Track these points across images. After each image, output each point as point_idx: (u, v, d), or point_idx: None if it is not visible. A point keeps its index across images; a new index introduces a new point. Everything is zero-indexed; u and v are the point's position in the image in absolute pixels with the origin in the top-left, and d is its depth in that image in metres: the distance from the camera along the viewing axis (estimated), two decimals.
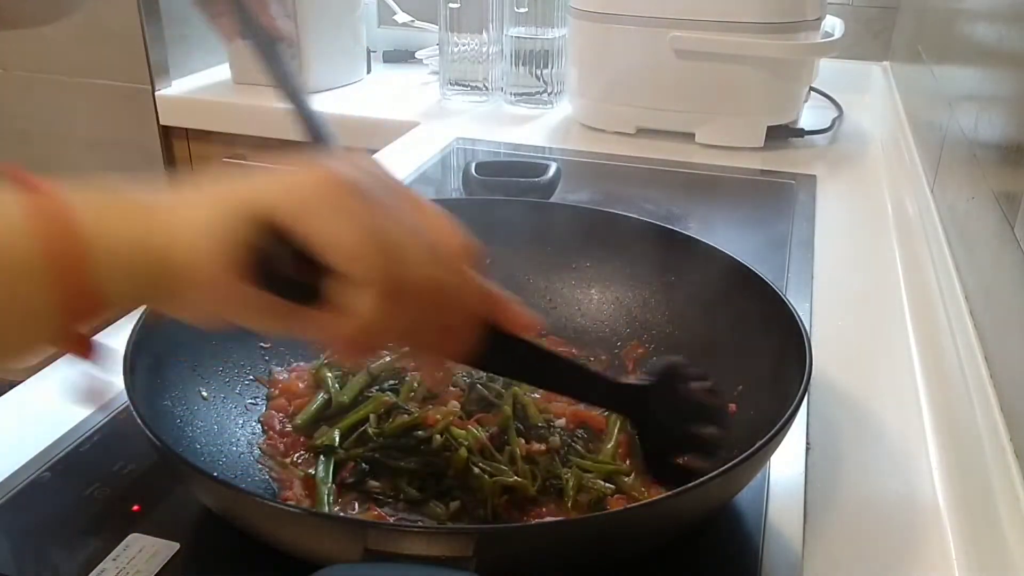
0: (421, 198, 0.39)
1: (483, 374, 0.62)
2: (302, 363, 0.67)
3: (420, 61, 1.72)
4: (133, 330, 0.55)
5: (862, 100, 1.52)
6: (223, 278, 0.33)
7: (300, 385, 0.65)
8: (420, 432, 0.58)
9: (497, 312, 0.43)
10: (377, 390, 0.63)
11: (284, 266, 0.34)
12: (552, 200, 0.96)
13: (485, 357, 0.44)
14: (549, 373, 0.50)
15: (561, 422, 0.61)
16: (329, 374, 0.64)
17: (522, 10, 1.40)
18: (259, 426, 0.61)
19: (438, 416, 0.59)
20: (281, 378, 0.65)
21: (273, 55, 0.67)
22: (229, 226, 0.33)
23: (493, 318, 0.43)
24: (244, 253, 0.33)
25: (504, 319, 0.43)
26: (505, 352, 0.45)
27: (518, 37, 1.42)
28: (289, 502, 0.54)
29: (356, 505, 0.55)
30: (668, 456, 0.53)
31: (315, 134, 0.67)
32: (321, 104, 1.50)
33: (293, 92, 0.66)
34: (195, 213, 0.34)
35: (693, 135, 1.29)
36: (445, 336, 0.40)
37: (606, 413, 0.62)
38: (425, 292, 0.36)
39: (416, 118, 1.41)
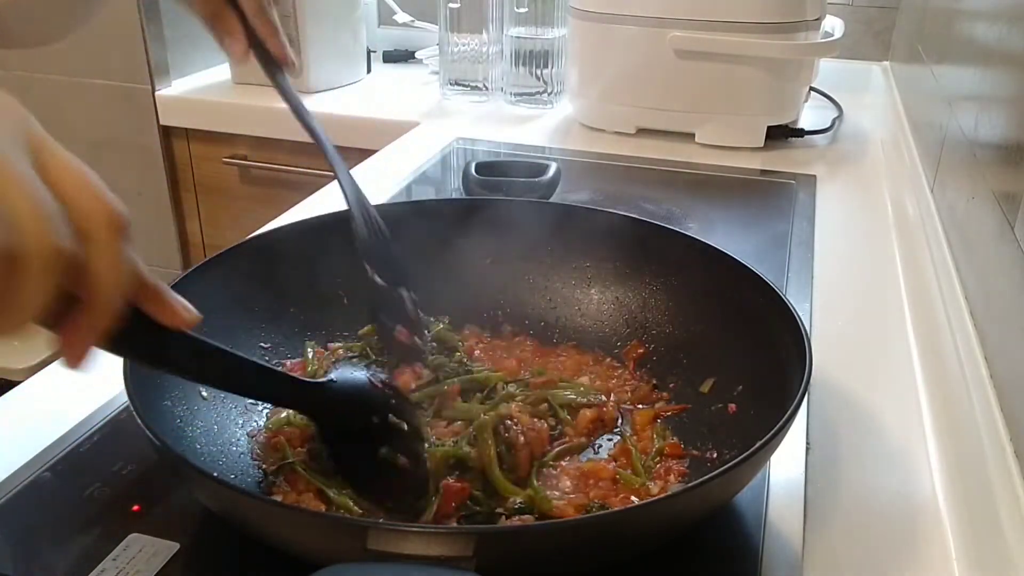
0: (69, 161, 0.35)
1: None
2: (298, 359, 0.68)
3: (420, 61, 1.72)
4: None
5: (862, 100, 1.52)
6: None
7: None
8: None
9: (145, 297, 0.39)
10: None
11: None
12: (552, 200, 0.97)
13: (129, 344, 0.40)
14: (214, 370, 0.47)
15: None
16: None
17: (522, 10, 1.40)
18: (262, 425, 0.61)
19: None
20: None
21: (279, 77, 0.69)
22: None
23: (141, 303, 0.39)
24: None
25: (154, 308, 0.40)
26: (158, 342, 0.41)
27: (518, 37, 1.42)
28: (289, 502, 0.54)
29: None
30: (359, 452, 0.54)
31: (330, 159, 0.69)
32: (321, 104, 1.52)
33: (304, 120, 0.68)
34: None
35: (693, 135, 1.29)
36: (75, 311, 0.35)
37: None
38: (25, 255, 0.31)
39: (416, 118, 1.41)
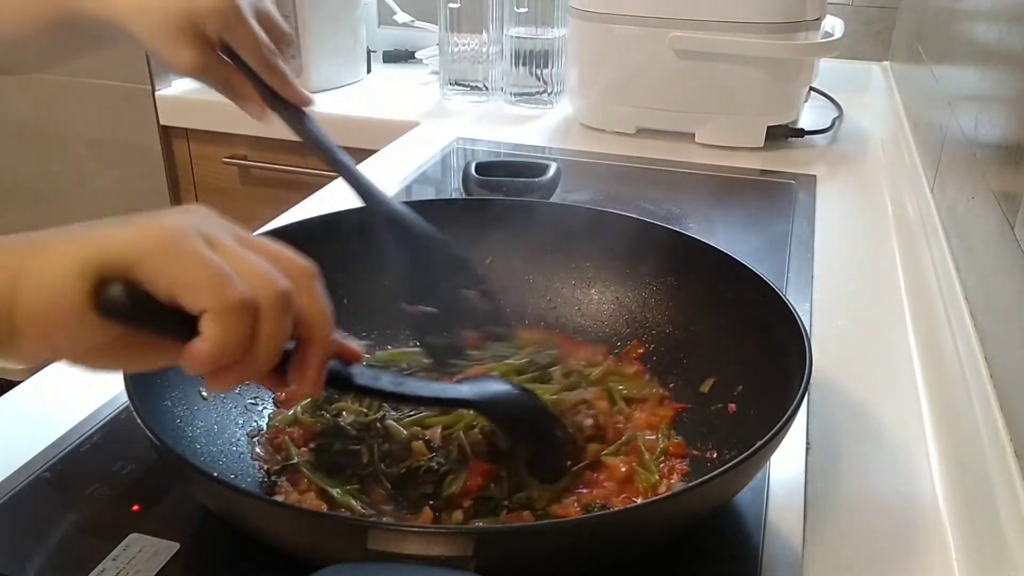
0: (262, 239, 0.42)
1: None
2: None
3: (420, 61, 1.72)
4: None
5: (862, 100, 1.52)
6: (70, 314, 0.36)
7: None
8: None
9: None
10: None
11: (133, 305, 0.37)
12: (552, 200, 0.96)
13: (340, 378, 0.45)
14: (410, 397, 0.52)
15: None
16: None
17: (522, 10, 1.40)
18: (262, 425, 0.61)
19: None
20: None
21: (303, 123, 0.67)
22: (77, 269, 0.36)
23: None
24: (93, 293, 0.36)
25: (340, 349, 0.46)
26: (349, 373, 0.46)
27: (518, 37, 1.42)
28: (291, 502, 0.54)
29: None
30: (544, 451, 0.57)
31: (362, 193, 0.67)
32: (321, 104, 1.52)
33: (331, 156, 0.66)
34: (44, 258, 0.36)
35: (693, 135, 1.29)
36: (297, 354, 0.42)
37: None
38: (261, 306, 0.38)
39: (416, 118, 1.41)
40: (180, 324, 0.37)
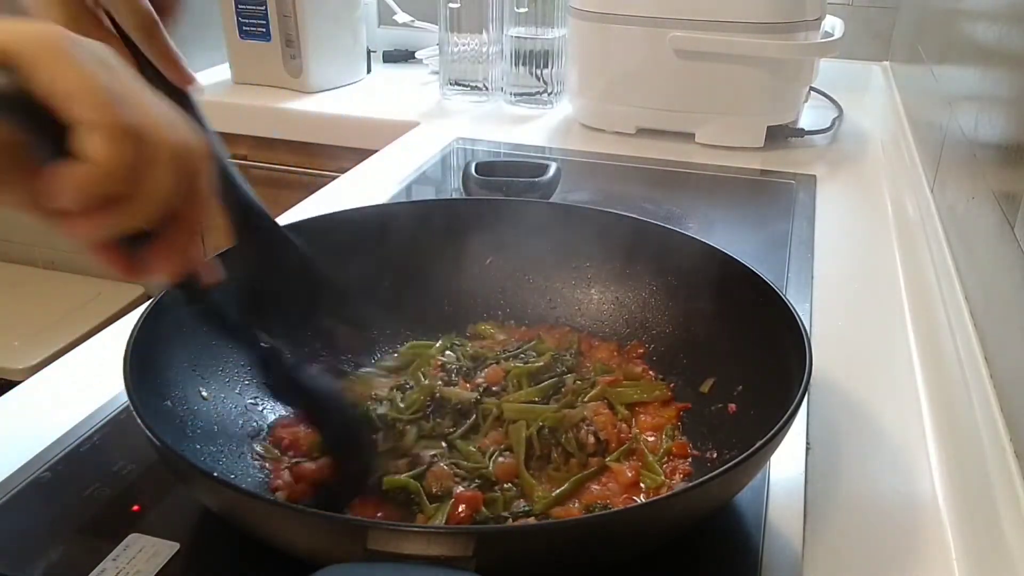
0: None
1: None
2: None
3: (420, 61, 1.72)
4: (133, 330, 0.55)
5: (862, 100, 1.52)
6: None
7: None
8: None
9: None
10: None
11: (17, 106, 0.34)
12: (552, 200, 0.96)
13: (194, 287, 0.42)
14: None
15: None
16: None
17: (522, 10, 1.40)
18: (263, 425, 0.61)
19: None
20: None
21: (185, 106, 0.55)
22: None
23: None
24: None
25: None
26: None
27: (518, 37, 1.42)
28: (290, 502, 0.54)
29: None
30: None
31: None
32: (321, 104, 1.52)
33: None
34: None
35: (693, 135, 1.29)
36: (190, 206, 0.38)
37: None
38: (158, 142, 0.35)
39: (416, 118, 1.41)
40: (53, 137, 0.34)
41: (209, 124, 0.58)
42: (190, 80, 0.59)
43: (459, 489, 0.55)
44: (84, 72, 0.34)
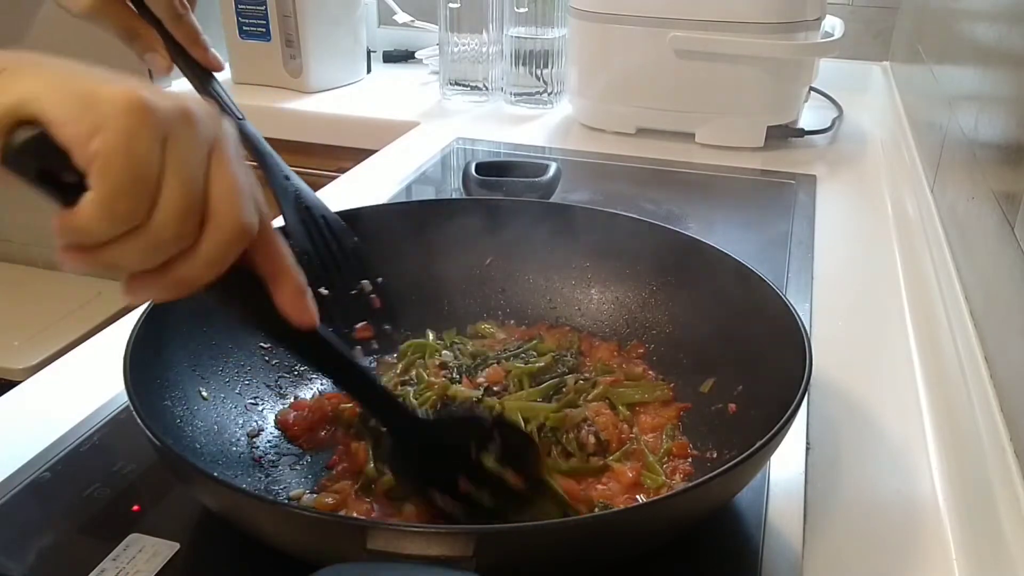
0: (234, 159, 0.36)
1: None
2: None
3: (420, 61, 1.72)
4: (133, 330, 0.55)
5: (862, 100, 1.52)
6: None
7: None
8: None
9: (268, 265, 0.39)
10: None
11: (37, 160, 0.33)
12: (552, 200, 0.96)
13: (226, 296, 0.39)
14: (315, 353, 0.45)
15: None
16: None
17: (522, 10, 1.40)
18: (263, 425, 0.61)
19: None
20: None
21: (208, 87, 0.63)
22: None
23: (259, 267, 0.39)
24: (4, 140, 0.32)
25: (274, 284, 0.39)
26: (257, 306, 0.40)
27: (518, 37, 1.42)
28: (291, 502, 0.54)
29: None
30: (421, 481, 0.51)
31: (263, 165, 0.65)
32: (321, 104, 1.52)
33: (236, 126, 0.63)
34: None
35: (693, 135, 1.29)
36: (180, 252, 0.35)
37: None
38: (168, 133, 0.34)
39: (416, 118, 1.41)
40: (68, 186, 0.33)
41: (236, 107, 0.63)
42: (218, 63, 0.63)
43: None
44: (113, 132, 0.33)
